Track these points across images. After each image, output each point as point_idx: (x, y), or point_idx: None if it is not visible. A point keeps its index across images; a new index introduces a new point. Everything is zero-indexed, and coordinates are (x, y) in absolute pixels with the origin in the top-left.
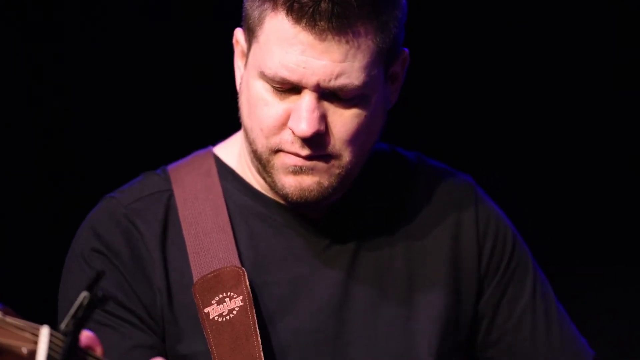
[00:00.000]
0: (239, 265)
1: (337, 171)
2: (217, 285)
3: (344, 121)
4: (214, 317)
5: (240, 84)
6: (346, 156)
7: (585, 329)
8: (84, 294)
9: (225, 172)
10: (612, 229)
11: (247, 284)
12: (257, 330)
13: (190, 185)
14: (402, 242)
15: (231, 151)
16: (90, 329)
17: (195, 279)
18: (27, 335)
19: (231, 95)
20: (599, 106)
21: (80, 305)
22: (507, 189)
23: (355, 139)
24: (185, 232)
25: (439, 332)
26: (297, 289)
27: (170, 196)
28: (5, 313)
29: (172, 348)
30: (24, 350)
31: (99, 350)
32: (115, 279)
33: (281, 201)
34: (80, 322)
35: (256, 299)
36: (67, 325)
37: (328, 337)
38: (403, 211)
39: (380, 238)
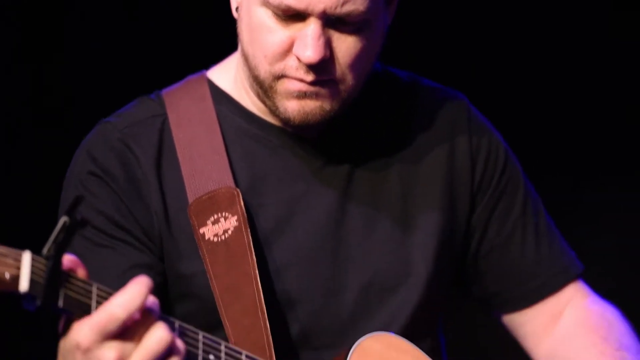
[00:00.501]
0: (234, 186)
1: (340, 95)
2: (212, 206)
3: (347, 46)
4: (209, 238)
5: (237, 9)
6: (349, 80)
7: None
8: (63, 219)
9: (220, 96)
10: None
11: (242, 204)
12: (252, 249)
13: (184, 109)
14: (396, 161)
15: (225, 75)
16: (89, 250)
17: (190, 200)
18: (10, 261)
19: (225, 19)
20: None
21: (61, 229)
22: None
23: (358, 64)
24: (180, 155)
25: (434, 247)
26: (293, 208)
27: (165, 120)
28: None
29: (171, 268)
30: (7, 275)
31: (82, 273)
32: (112, 201)
33: (277, 123)
34: (61, 246)
35: (252, 219)
36: (48, 250)
37: (325, 254)
38: (397, 130)
39: (375, 157)
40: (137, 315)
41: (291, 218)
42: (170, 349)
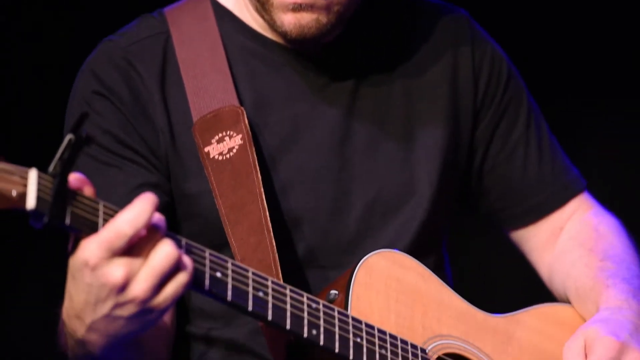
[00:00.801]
0: (238, 105)
1: (336, 8)
2: (217, 124)
3: None
4: (214, 156)
5: None
6: None
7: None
8: (69, 136)
9: (222, 14)
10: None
11: (246, 122)
12: (257, 167)
13: (187, 27)
14: (400, 78)
15: None
16: (95, 169)
17: (194, 119)
18: (16, 178)
19: None
20: None
21: (66, 146)
22: None
23: None
24: (183, 74)
25: (437, 164)
26: (297, 126)
27: (168, 38)
28: None
29: (177, 188)
30: (14, 192)
31: (88, 191)
32: (117, 119)
33: (280, 41)
34: (67, 163)
35: (256, 138)
36: (54, 167)
37: (330, 172)
38: (399, 46)
39: (379, 73)
40: (144, 232)
41: (295, 136)
42: (177, 265)
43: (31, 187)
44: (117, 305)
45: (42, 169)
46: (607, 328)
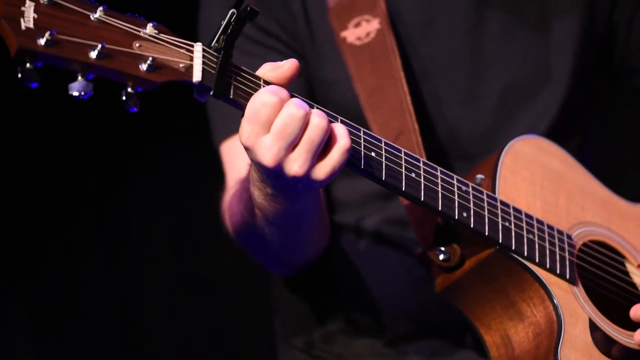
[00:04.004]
0: None
1: None
2: (353, 9)
3: None
4: (351, 42)
5: None
6: None
7: None
8: (231, 11)
9: None
10: None
11: (384, 5)
12: (397, 51)
13: None
14: None
15: None
16: (238, 59)
17: (330, 4)
18: (183, 52)
19: None
20: None
21: (229, 21)
22: None
23: None
24: None
25: (574, 50)
26: (431, 15)
27: None
28: (160, 31)
29: (314, 75)
30: (181, 65)
31: None
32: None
33: None
34: (231, 38)
35: (393, 22)
36: (218, 42)
37: (464, 61)
38: None
39: None
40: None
41: (430, 25)
42: (332, 135)
43: (197, 60)
44: (284, 181)
45: None
46: None
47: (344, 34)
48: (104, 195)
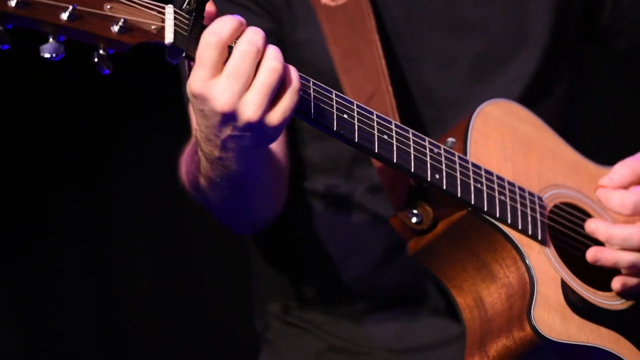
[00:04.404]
0: None
1: None
2: None
3: None
4: (325, 2)
5: None
6: None
7: None
8: None
9: None
10: None
11: None
12: (371, 13)
13: None
14: None
15: None
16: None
17: None
18: (154, 13)
19: None
20: None
21: None
22: None
23: None
24: None
25: (552, 14)
26: None
27: None
28: None
29: (289, 36)
30: (152, 27)
31: None
32: None
33: None
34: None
35: None
36: (190, 4)
37: (440, 23)
38: None
39: None
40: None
41: None
42: (285, 80)
43: (168, 22)
44: (236, 128)
45: None
46: None
47: None
48: (83, 189)
